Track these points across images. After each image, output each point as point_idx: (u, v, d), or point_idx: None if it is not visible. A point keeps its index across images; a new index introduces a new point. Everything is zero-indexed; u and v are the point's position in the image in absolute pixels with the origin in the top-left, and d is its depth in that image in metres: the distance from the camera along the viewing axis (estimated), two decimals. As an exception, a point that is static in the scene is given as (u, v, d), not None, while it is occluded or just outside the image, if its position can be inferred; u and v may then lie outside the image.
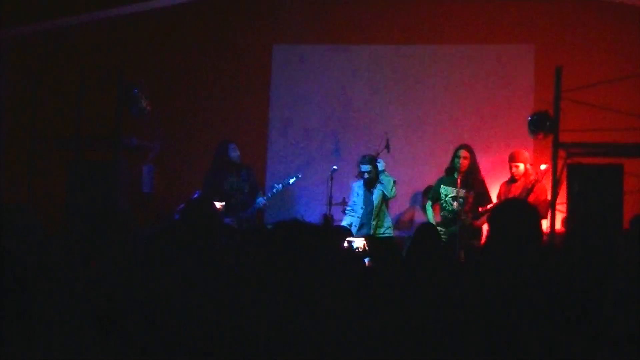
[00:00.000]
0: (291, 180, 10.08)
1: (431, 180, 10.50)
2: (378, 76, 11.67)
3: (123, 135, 10.12)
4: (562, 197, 9.41)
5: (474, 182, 9.79)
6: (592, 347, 4.03)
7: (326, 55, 11.87)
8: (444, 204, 9.91)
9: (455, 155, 9.84)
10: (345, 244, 7.31)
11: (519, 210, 4.59)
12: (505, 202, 4.82)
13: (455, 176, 9.78)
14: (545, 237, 6.82)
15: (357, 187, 10.24)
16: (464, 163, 9.76)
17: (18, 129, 11.42)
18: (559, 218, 9.60)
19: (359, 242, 7.67)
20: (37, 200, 10.46)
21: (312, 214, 10.72)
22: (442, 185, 9.98)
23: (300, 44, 11.96)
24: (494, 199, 9.92)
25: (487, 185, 10.04)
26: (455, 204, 9.69)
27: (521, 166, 9.93)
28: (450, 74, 11.51)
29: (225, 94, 11.93)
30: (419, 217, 10.89)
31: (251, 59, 12.01)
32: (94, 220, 5.05)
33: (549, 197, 9.60)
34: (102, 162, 10.32)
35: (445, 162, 10.09)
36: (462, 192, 9.68)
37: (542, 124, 9.54)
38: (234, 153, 10.23)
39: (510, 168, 9.99)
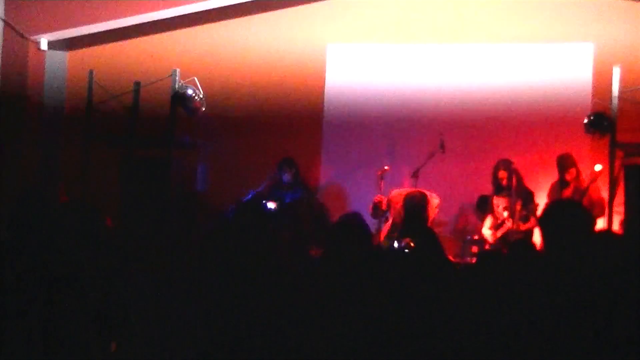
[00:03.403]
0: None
1: (486, 181, 10.46)
2: (433, 75, 11.57)
3: (176, 133, 10.15)
4: (619, 197, 9.28)
5: (522, 193, 9.95)
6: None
7: (381, 54, 11.78)
8: (497, 214, 10.09)
9: (496, 176, 10.09)
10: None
11: (570, 212, 4.51)
12: (556, 203, 4.73)
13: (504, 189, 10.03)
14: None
15: None
16: (507, 182, 9.95)
17: (74, 127, 11.51)
18: (617, 220, 9.45)
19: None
20: (92, 198, 10.54)
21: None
22: (494, 197, 10.17)
23: (355, 43, 11.89)
24: (544, 201, 9.93)
25: (540, 185, 10.22)
26: (506, 213, 9.78)
27: (574, 171, 9.92)
28: (507, 73, 11.36)
29: (280, 93, 11.90)
30: (472, 220, 10.78)
31: (306, 58, 11.97)
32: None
33: (603, 196, 9.51)
34: (156, 161, 10.36)
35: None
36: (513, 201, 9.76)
37: (599, 124, 9.41)
38: (285, 174, 10.58)
39: (564, 174, 9.95)
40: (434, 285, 4.71)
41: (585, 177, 9.96)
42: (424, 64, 11.61)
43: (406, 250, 6.60)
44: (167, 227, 9.61)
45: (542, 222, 4.63)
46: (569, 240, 4.37)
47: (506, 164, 10.01)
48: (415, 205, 8.15)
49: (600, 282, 4.11)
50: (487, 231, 10.11)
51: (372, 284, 4.67)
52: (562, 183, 10.03)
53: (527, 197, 9.96)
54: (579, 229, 4.43)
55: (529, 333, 4.01)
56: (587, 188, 9.63)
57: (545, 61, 11.20)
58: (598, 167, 9.69)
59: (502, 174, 10.00)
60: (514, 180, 9.85)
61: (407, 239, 6.62)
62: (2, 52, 10.83)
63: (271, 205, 10.28)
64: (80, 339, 4.35)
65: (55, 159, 11.55)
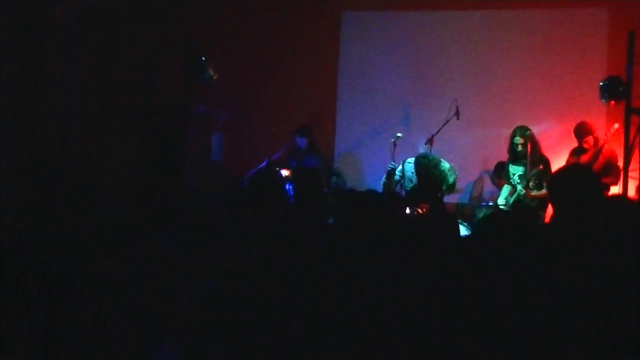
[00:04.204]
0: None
1: (501, 147, 10.44)
2: (448, 42, 11.51)
3: (191, 103, 10.17)
4: (635, 163, 9.25)
5: (537, 160, 9.83)
6: None
7: (396, 21, 11.74)
8: (513, 182, 10.00)
9: (513, 143, 9.96)
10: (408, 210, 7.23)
11: (577, 176, 4.50)
12: (564, 168, 4.72)
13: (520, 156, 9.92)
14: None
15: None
16: (522, 149, 9.82)
17: (89, 97, 11.54)
18: (633, 185, 9.42)
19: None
20: (108, 167, 10.60)
21: (376, 182, 10.63)
22: (510, 165, 10.10)
23: (370, 10, 11.85)
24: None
25: (557, 152, 10.09)
26: (520, 180, 9.81)
27: (591, 139, 9.82)
28: (522, 40, 11.29)
29: (294, 62, 11.89)
30: (487, 187, 10.77)
31: (320, 26, 11.94)
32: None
33: (619, 163, 9.44)
34: (171, 130, 10.39)
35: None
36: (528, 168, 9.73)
37: (614, 90, 9.36)
38: (301, 141, 10.64)
39: (581, 143, 9.86)
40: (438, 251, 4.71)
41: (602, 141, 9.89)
42: (439, 30, 11.56)
43: (416, 214, 6.63)
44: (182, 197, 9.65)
45: (550, 187, 4.63)
46: (577, 205, 4.35)
47: (522, 131, 9.91)
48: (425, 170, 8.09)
49: (608, 248, 4.07)
50: (502, 199, 10.06)
51: (382, 251, 4.68)
52: (580, 150, 9.97)
53: (542, 164, 9.88)
54: (587, 193, 4.41)
55: (531, 303, 3.98)
56: (600, 149, 9.52)
57: (560, 26, 11.13)
58: (616, 126, 9.59)
59: (519, 140, 9.91)
60: (529, 147, 9.76)
61: (420, 205, 6.66)
62: (16, 22, 10.84)
63: (285, 172, 10.32)
64: (80, 339, 4.36)
65: (71, 128, 11.60)
